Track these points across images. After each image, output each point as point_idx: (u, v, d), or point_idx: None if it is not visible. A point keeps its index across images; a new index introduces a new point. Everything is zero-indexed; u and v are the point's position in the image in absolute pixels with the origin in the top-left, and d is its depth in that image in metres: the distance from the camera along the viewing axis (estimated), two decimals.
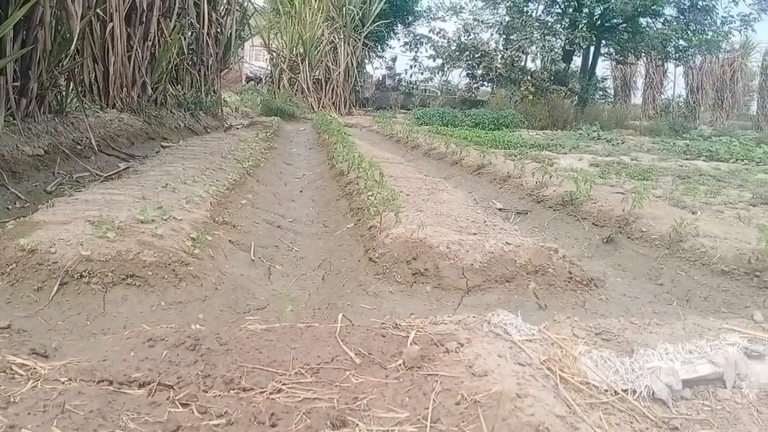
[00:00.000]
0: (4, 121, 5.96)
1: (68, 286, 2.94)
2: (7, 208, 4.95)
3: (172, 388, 1.86)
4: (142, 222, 3.67)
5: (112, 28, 9.05)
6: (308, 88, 22.62)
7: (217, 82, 14.38)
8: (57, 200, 4.25)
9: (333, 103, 23.06)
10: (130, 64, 9.67)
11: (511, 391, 1.88)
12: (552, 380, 2.07)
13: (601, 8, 22.76)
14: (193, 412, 1.73)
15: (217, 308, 3.12)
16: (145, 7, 9.85)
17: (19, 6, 6.07)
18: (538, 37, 22.76)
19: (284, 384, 1.94)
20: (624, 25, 24.20)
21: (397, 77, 30.17)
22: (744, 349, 2.39)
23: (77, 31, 6.42)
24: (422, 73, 27.75)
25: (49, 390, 1.75)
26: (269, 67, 24.86)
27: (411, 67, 28.68)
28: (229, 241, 4.15)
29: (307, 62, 22.56)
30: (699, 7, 23.68)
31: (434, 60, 25.88)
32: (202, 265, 3.43)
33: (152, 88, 10.43)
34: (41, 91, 6.97)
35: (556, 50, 22.99)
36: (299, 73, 22.66)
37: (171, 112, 11.21)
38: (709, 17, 23.71)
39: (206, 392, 1.87)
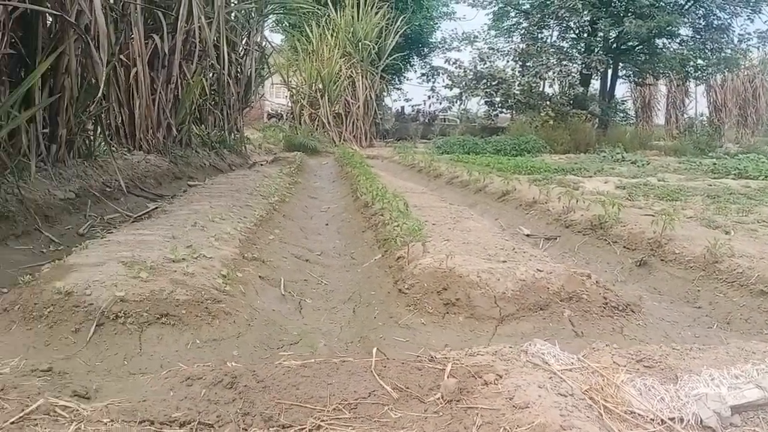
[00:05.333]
0: (36, 167, 6.12)
1: (104, 327, 2.97)
2: (42, 251, 5.05)
3: (212, 427, 1.85)
4: (173, 261, 3.71)
5: (136, 72, 9.30)
6: (329, 122, 22.90)
7: (239, 121, 14.64)
8: (90, 242, 4.32)
9: (354, 136, 23.29)
10: (154, 106, 9.91)
11: (555, 422, 1.84)
12: (596, 410, 2.02)
13: (616, 32, 22.84)
14: None
15: (251, 344, 3.12)
16: (167, 51, 10.11)
17: (46, 56, 6.28)
18: (555, 63, 22.86)
19: (323, 420, 1.92)
20: (640, 47, 24.23)
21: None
22: None
23: (103, 78, 6.59)
24: (440, 103, 27.96)
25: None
26: (290, 104, 25.28)
27: (429, 97, 28.95)
28: (259, 276, 4.16)
29: (326, 97, 22.88)
30: (715, 26, 23.70)
31: (451, 89, 26.08)
32: (234, 301, 3.44)
33: (177, 129, 10.65)
34: (70, 137, 7.15)
35: (573, 75, 23.04)
36: (319, 108, 22.99)
37: (196, 151, 11.41)
38: (725, 35, 23.69)
39: (246, 430, 1.86)
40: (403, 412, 1.99)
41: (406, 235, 4.56)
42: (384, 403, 2.03)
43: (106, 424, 1.81)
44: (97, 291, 3.13)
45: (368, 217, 6.63)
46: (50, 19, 6.70)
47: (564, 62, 23.16)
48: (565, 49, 24.68)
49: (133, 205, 7.22)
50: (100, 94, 7.04)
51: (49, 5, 6.40)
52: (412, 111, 32.02)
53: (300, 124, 22.73)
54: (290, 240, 5.79)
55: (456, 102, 26.65)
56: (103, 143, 8.14)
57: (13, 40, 6.13)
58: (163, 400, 1.95)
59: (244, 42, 14.47)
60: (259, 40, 15.61)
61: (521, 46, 24.86)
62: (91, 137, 7.93)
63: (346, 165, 12.86)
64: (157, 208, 6.50)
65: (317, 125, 22.74)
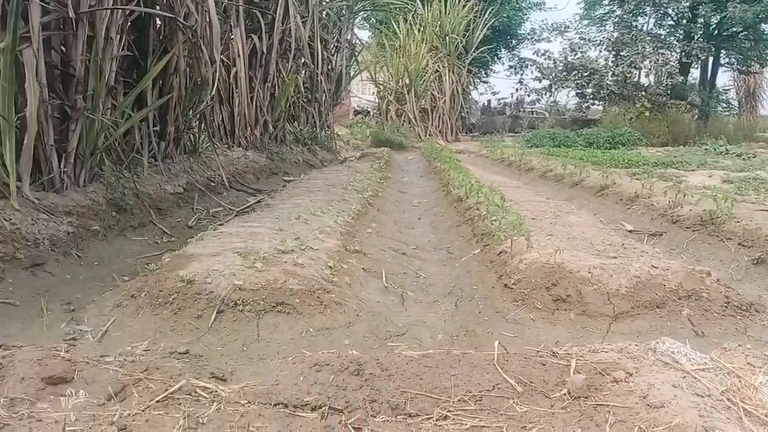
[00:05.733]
0: (147, 162, 6.49)
1: (224, 314, 3.11)
2: (156, 242, 5.37)
3: (342, 413, 1.90)
4: (283, 252, 3.84)
5: (236, 71, 9.65)
6: (415, 117, 22.92)
7: (330, 117, 14.92)
8: (204, 234, 4.55)
9: (440, 130, 23.22)
10: (252, 104, 10.25)
11: (695, 423, 1.76)
12: (734, 412, 1.92)
13: (718, 17, 21.52)
14: None
15: (360, 334, 3.18)
16: (264, 50, 10.44)
17: (157, 58, 6.64)
18: (651, 51, 21.82)
19: (449, 411, 1.93)
20: (745, 33, 22.71)
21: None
22: None
23: (215, 78, 6.90)
24: (528, 96, 27.36)
25: (231, 412, 1.84)
26: (376, 100, 25.50)
27: (517, 90, 28.40)
28: (362, 268, 4.24)
29: (413, 93, 22.92)
30: None
31: (540, 81, 25.46)
32: (341, 292, 3.52)
33: (273, 126, 10.99)
34: (177, 134, 7.54)
35: (671, 64, 21.89)
36: (405, 103, 23.05)
37: (290, 147, 11.74)
38: None
39: (374, 417, 1.90)
40: (528, 407, 1.97)
41: (508, 230, 4.51)
42: (509, 396, 2.02)
43: (243, 405, 1.90)
44: (216, 279, 3.29)
45: (462, 211, 6.58)
46: (159, 22, 7.08)
47: (661, 51, 22.07)
48: (662, 37, 23.54)
49: (234, 199, 7.53)
50: (212, 93, 7.35)
51: (158, 8, 6.76)
52: (499, 104, 31.52)
53: (386, 119, 22.89)
54: (386, 233, 5.85)
55: (545, 94, 26.00)
56: (206, 140, 8.52)
57: (127, 43, 6.53)
58: (295, 384, 2.02)
59: (334, 39, 14.72)
60: (349, 37, 15.83)
61: (615, 34, 23.90)
62: (196, 134, 8.32)
63: (433, 160, 12.84)
64: (260, 201, 6.75)
65: (403, 121, 22.82)
